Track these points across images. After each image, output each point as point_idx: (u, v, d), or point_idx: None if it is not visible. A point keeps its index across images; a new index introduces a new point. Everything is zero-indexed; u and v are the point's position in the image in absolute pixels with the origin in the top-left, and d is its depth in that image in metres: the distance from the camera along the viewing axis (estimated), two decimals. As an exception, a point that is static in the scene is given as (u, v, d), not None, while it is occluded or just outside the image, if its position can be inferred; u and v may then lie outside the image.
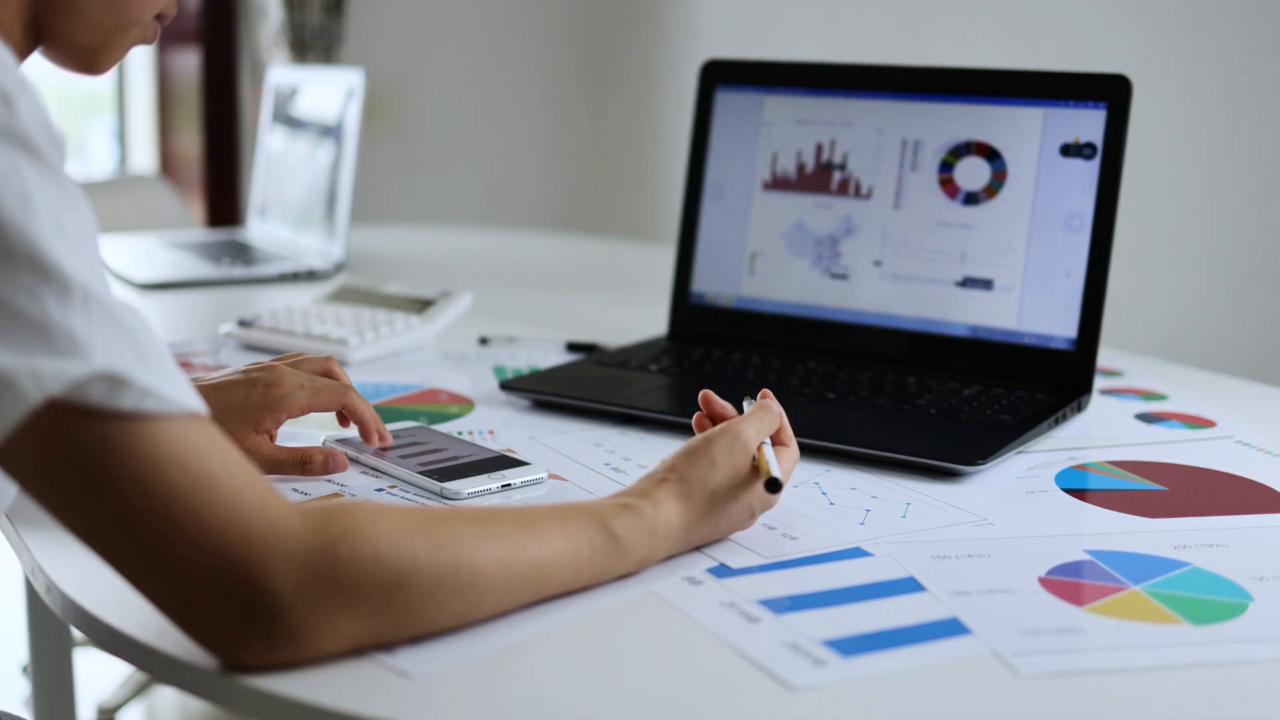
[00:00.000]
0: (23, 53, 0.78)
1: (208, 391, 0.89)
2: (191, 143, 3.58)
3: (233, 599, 0.59)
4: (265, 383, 0.89)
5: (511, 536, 0.68)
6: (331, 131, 1.94)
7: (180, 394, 0.60)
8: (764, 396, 0.87)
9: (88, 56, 0.80)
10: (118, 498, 0.58)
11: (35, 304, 0.57)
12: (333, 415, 0.97)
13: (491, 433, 1.06)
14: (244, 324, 1.37)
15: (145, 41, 0.82)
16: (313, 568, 0.60)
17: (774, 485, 0.78)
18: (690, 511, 0.77)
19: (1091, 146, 1.16)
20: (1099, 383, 1.26)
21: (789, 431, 0.87)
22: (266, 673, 0.62)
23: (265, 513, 0.60)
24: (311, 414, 0.94)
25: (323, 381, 0.93)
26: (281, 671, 0.62)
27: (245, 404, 0.88)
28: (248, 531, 0.59)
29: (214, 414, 0.87)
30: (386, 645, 0.64)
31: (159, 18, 0.82)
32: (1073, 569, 0.79)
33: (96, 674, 2.18)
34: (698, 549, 0.80)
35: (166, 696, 2.25)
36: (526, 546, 0.68)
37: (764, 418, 0.83)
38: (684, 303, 1.34)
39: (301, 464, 0.90)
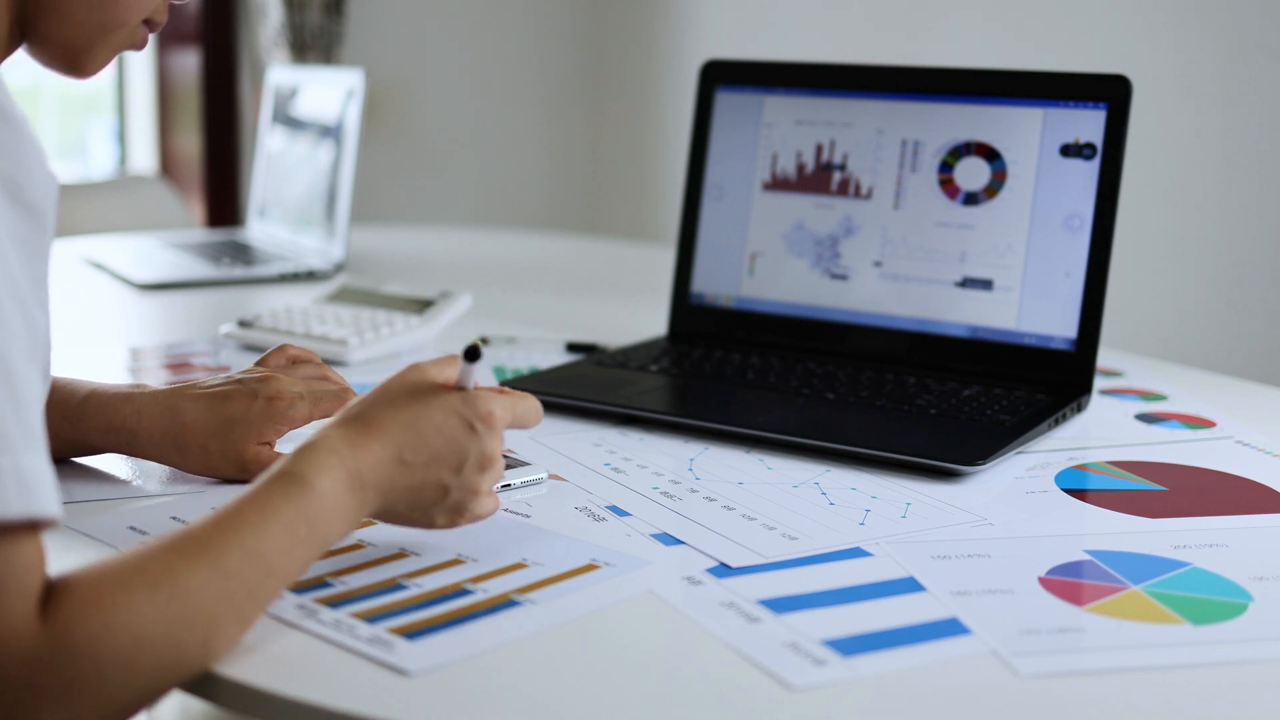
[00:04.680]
0: (13, 43, 0.77)
1: (208, 402, 0.89)
2: (191, 143, 3.58)
3: None
4: (266, 395, 0.89)
5: (210, 540, 0.64)
6: (331, 132, 1.94)
7: None
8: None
9: (72, 57, 0.79)
10: None
11: None
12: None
13: (491, 433, 1.05)
14: (244, 324, 1.37)
15: (134, 47, 0.81)
16: (49, 668, 0.58)
17: (472, 353, 0.75)
18: (380, 433, 0.72)
19: (1091, 146, 1.16)
20: (1099, 383, 1.26)
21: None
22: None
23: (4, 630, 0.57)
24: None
25: (322, 389, 0.93)
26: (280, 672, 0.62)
27: (246, 416, 0.88)
28: None
29: (215, 425, 0.88)
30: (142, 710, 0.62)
31: (149, 24, 0.81)
32: (1073, 569, 0.79)
33: (96, 674, 2.18)
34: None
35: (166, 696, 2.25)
36: (229, 542, 0.64)
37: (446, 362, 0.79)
38: (684, 303, 1.34)
39: None
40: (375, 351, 1.31)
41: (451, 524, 0.76)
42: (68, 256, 1.92)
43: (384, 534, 0.81)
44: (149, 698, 0.62)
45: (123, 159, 3.78)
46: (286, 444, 0.94)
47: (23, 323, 0.61)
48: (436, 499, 0.75)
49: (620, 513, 0.87)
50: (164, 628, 0.61)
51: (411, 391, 0.75)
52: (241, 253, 1.94)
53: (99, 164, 3.93)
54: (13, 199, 0.62)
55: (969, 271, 1.21)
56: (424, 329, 1.36)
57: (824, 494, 0.92)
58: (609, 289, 1.91)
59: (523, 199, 3.84)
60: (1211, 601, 0.74)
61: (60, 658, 0.58)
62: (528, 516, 0.86)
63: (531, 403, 0.80)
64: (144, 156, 3.72)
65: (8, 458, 0.58)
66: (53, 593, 0.59)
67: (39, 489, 0.59)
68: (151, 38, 0.83)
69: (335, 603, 0.71)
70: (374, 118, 3.36)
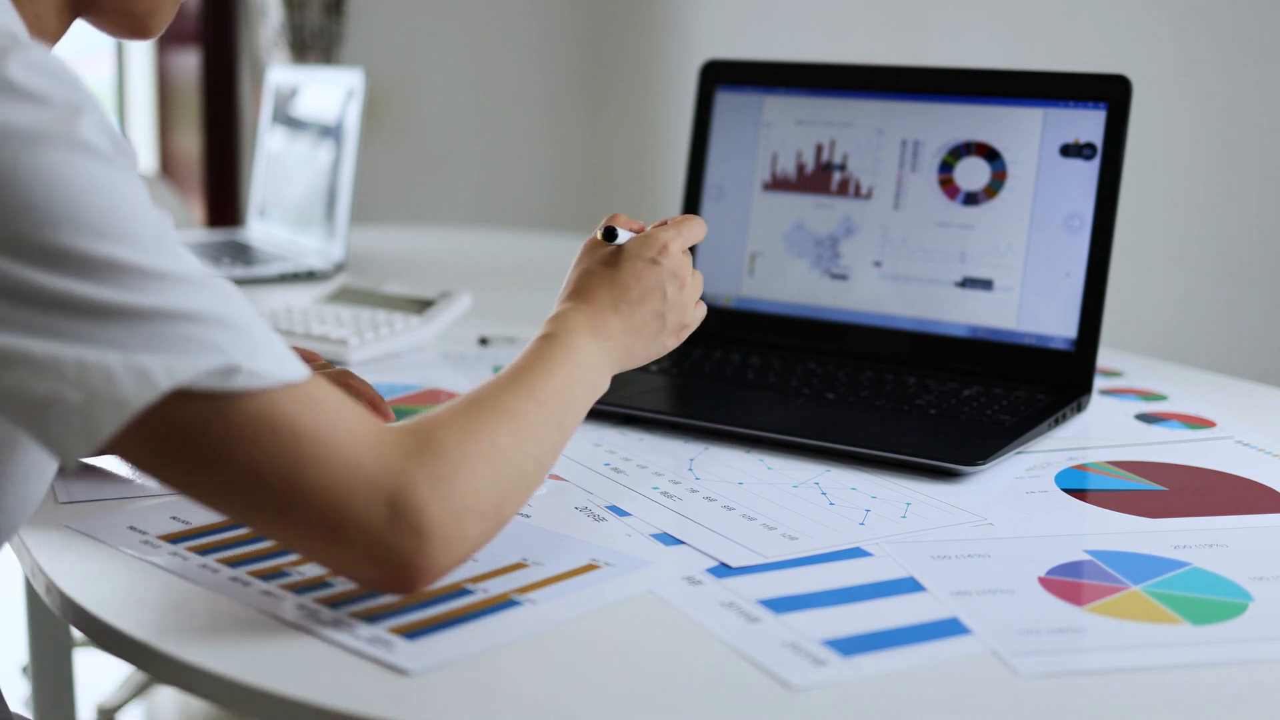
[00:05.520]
0: (64, 23, 0.78)
1: None
2: (191, 143, 3.58)
3: (380, 523, 0.64)
4: None
5: (511, 379, 0.76)
6: (331, 132, 1.94)
7: (281, 368, 0.64)
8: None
9: (139, 22, 0.80)
10: (239, 468, 0.63)
11: (157, 299, 0.62)
12: None
13: (491, 433, 1.05)
14: (244, 324, 1.37)
15: None
16: (430, 470, 0.65)
17: (609, 234, 0.89)
18: (594, 297, 0.86)
19: (1091, 147, 1.16)
20: (1099, 383, 1.26)
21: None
22: (429, 583, 0.66)
23: (376, 443, 0.65)
24: None
25: None
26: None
27: None
28: (367, 462, 0.64)
29: None
30: (504, 516, 0.70)
31: None
32: (1073, 569, 0.79)
33: (96, 674, 2.18)
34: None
35: (166, 696, 2.25)
36: (532, 379, 0.76)
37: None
38: (684, 303, 1.34)
39: None
40: (375, 351, 1.31)
41: (679, 340, 0.92)
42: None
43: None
44: (508, 506, 0.70)
45: (123, 159, 3.78)
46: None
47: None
48: (659, 328, 0.89)
49: (620, 513, 0.87)
50: (507, 437, 0.71)
51: (595, 256, 0.89)
52: (241, 253, 1.94)
53: (99, 164, 3.93)
54: (118, 147, 0.65)
55: (969, 271, 1.21)
56: (424, 329, 1.36)
57: (824, 494, 0.92)
58: (609, 289, 1.91)
59: (523, 199, 3.84)
60: (1211, 601, 0.74)
61: (435, 454, 0.66)
62: (528, 516, 0.86)
63: (692, 222, 0.93)
64: (144, 156, 3.72)
65: (260, 335, 0.65)
66: (398, 428, 0.67)
67: (290, 359, 0.65)
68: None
69: (335, 603, 0.71)
70: (374, 118, 3.36)
